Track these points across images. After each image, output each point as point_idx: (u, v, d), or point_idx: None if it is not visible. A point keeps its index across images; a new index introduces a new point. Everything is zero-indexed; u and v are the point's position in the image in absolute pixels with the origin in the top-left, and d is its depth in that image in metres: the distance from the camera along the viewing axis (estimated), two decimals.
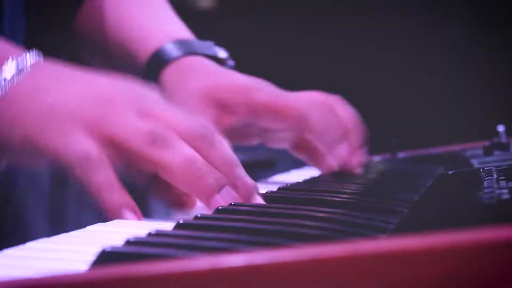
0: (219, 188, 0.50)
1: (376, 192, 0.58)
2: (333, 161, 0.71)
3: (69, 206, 2.23)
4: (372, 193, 0.57)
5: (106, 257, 0.33)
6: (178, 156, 0.49)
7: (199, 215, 0.44)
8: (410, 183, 0.63)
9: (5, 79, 0.51)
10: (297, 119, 0.69)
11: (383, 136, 1.01)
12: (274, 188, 0.59)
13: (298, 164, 1.01)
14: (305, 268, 0.27)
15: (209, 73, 0.71)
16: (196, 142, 0.51)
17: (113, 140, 0.49)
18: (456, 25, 2.06)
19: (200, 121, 0.53)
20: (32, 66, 0.52)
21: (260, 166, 2.03)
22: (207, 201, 0.50)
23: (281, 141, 0.73)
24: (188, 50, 0.72)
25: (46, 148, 0.50)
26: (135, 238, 0.36)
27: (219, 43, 0.76)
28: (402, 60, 2.06)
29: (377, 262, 0.26)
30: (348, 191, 0.59)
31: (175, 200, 0.54)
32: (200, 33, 0.77)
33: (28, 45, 0.71)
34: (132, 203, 0.49)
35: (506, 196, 0.38)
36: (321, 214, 0.45)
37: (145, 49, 0.72)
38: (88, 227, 0.45)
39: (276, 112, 0.68)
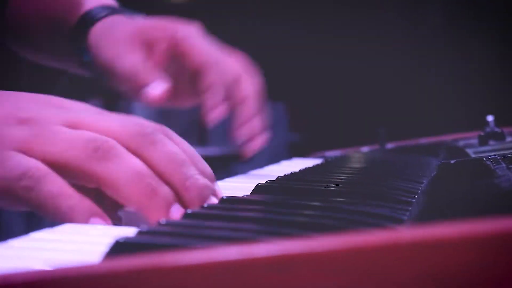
0: (170, 205, 0.43)
1: (376, 182, 0.57)
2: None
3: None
4: (373, 183, 0.56)
5: (119, 248, 0.32)
6: (124, 170, 0.43)
7: (207, 205, 0.43)
8: (408, 173, 0.62)
9: None
10: (197, 63, 0.69)
11: (370, 127, 1.00)
12: (266, 179, 0.57)
13: (276, 159, 1.00)
14: (336, 258, 0.26)
15: (133, 21, 0.73)
16: (134, 143, 0.45)
17: (49, 159, 0.43)
18: (444, 16, 2.06)
19: (137, 121, 0.47)
20: None
21: (236, 160, 2.02)
22: (162, 215, 0.43)
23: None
24: (113, 11, 0.74)
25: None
26: (147, 227, 0.35)
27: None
28: (389, 52, 2.06)
29: (412, 250, 0.25)
30: (345, 180, 0.58)
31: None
32: None
33: None
34: (96, 207, 0.43)
35: None
36: (328, 204, 0.44)
37: (73, 16, 0.75)
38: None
39: (184, 51, 0.70)
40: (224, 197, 0.46)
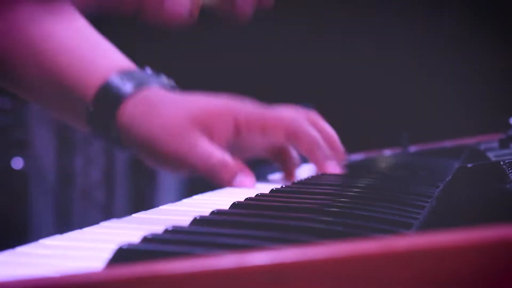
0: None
1: (393, 186, 0.57)
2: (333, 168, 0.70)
3: (75, 204, 2.23)
4: (389, 187, 0.56)
5: (122, 255, 0.32)
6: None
7: (215, 211, 0.43)
8: (427, 177, 0.62)
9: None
10: (288, 132, 0.68)
11: (393, 130, 1.00)
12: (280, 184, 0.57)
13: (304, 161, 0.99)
14: (340, 265, 0.25)
15: (177, 101, 0.69)
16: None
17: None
18: (464, 17, 2.05)
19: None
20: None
21: (260, 163, 2.02)
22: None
23: (260, 152, 0.74)
24: (139, 83, 0.69)
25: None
26: (152, 234, 0.35)
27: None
28: (413, 54, 2.05)
29: (414, 258, 0.25)
30: (364, 185, 0.58)
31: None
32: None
33: None
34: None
35: None
36: (341, 210, 0.43)
37: (88, 80, 0.69)
38: (102, 223, 0.44)
39: (266, 127, 0.68)
40: (236, 202, 0.46)
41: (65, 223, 2.13)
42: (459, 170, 0.55)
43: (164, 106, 0.67)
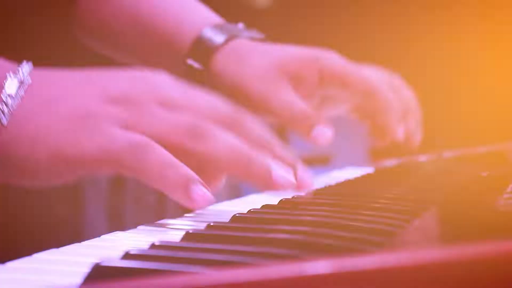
0: (269, 171, 0.51)
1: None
2: (400, 133, 0.73)
3: (127, 206, 2.26)
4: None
5: (100, 272, 0.32)
6: (222, 145, 0.50)
7: (212, 224, 0.43)
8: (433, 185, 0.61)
9: (10, 95, 0.49)
10: (366, 90, 0.72)
11: (428, 135, 0.99)
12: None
13: (357, 163, 0.99)
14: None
15: (267, 50, 0.73)
16: (226, 122, 0.51)
17: (152, 138, 0.48)
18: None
19: (222, 101, 0.53)
20: (30, 75, 0.50)
21: (315, 162, 2.02)
22: (265, 183, 0.51)
23: (343, 107, 0.77)
24: (230, 35, 0.73)
25: (82, 153, 0.48)
26: (136, 250, 0.35)
27: None
28: (440, 57, 2.03)
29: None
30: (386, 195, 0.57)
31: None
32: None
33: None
34: (197, 177, 0.48)
35: None
36: (345, 222, 0.43)
37: (184, 34, 0.74)
38: (104, 236, 0.44)
39: (347, 81, 0.71)
40: (237, 215, 0.46)
41: (117, 227, 2.17)
42: (467, 179, 0.55)
43: (254, 56, 0.72)
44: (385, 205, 0.47)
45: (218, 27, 0.74)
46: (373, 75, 0.75)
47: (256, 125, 0.53)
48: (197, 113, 0.51)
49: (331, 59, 0.72)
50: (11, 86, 0.49)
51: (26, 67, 0.50)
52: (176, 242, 0.39)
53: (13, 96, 0.49)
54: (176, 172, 0.47)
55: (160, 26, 0.75)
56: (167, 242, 0.38)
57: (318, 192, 0.59)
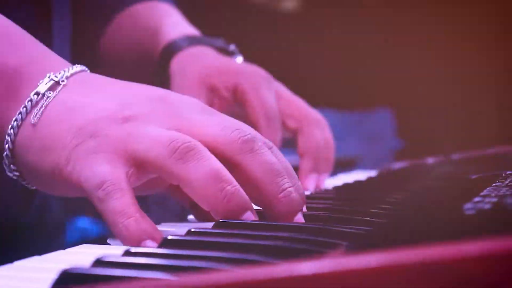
0: (242, 213, 0.46)
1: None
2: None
3: (151, 211, 2.28)
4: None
5: (68, 279, 0.33)
6: (201, 171, 0.45)
7: (193, 230, 0.44)
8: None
9: (37, 93, 0.49)
10: (261, 115, 0.70)
11: (436, 137, 0.99)
12: None
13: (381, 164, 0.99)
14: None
15: (206, 60, 0.75)
16: (230, 149, 0.47)
17: (134, 157, 0.46)
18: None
19: (239, 125, 0.48)
20: (70, 78, 0.50)
21: (341, 165, 2.02)
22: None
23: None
24: (194, 42, 0.77)
25: (71, 178, 0.47)
26: (106, 257, 0.36)
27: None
28: (450, 60, 2.02)
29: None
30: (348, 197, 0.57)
31: (199, 213, 0.54)
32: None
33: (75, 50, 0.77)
34: (152, 229, 0.44)
35: (487, 206, 0.37)
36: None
37: (159, 45, 0.79)
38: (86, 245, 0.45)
39: (247, 101, 0.71)
40: (221, 221, 0.46)
41: None
42: (447, 183, 0.55)
43: (193, 64, 0.75)
44: (356, 209, 0.47)
45: (188, 37, 0.79)
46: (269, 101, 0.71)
47: (264, 155, 0.48)
48: (199, 135, 0.48)
49: (251, 78, 0.72)
50: (43, 85, 0.49)
51: (71, 69, 0.50)
52: (152, 249, 0.40)
53: (40, 93, 0.49)
54: (126, 224, 0.44)
55: (146, 43, 0.82)
56: (142, 249, 0.39)
57: (308, 197, 0.59)
